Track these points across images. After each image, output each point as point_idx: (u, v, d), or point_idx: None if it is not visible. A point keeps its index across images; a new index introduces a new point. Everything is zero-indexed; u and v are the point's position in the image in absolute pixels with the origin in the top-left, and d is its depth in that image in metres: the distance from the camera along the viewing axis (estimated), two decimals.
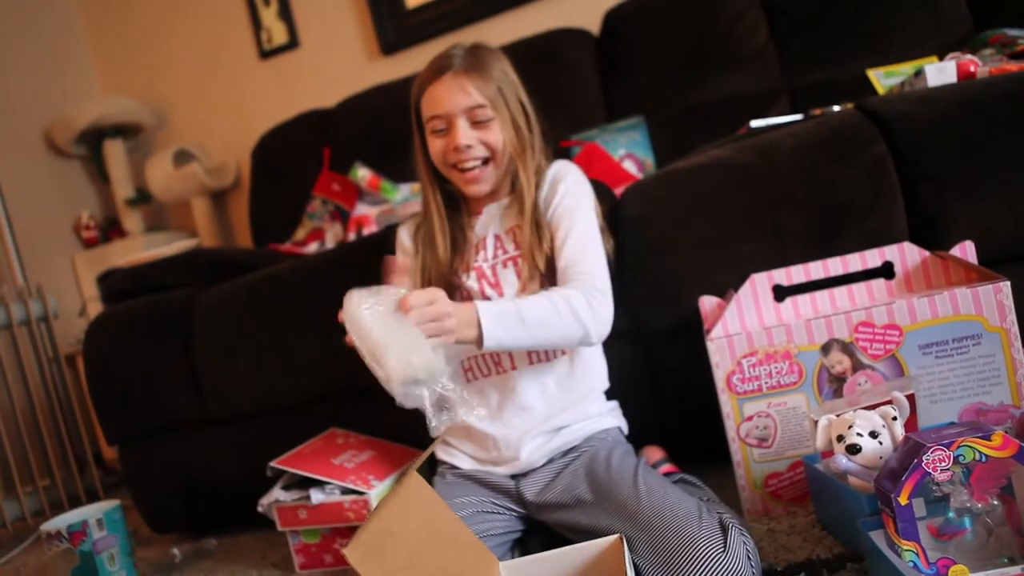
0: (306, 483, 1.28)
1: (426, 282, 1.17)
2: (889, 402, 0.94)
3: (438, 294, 0.95)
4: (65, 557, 1.35)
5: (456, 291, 1.17)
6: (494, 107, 1.12)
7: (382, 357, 0.89)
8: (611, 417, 1.17)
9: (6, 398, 2.12)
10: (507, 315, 1.00)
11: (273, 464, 1.28)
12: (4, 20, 2.79)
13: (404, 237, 1.26)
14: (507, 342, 1.01)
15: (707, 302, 1.18)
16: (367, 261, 1.40)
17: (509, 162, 1.16)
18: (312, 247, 2.15)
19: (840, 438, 0.91)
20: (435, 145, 1.15)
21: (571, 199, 1.16)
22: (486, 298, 1.14)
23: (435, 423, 0.90)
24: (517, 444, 1.11)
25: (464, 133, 1.11)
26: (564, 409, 1.13)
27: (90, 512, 1.41)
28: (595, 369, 1.18)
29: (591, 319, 1.04)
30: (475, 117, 1.12)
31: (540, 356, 1.13)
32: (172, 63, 2.99)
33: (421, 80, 1.15)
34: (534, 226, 1.14)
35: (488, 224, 1.20)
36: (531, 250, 1.12)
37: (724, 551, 0.82)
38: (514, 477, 1.11)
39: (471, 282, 1.16)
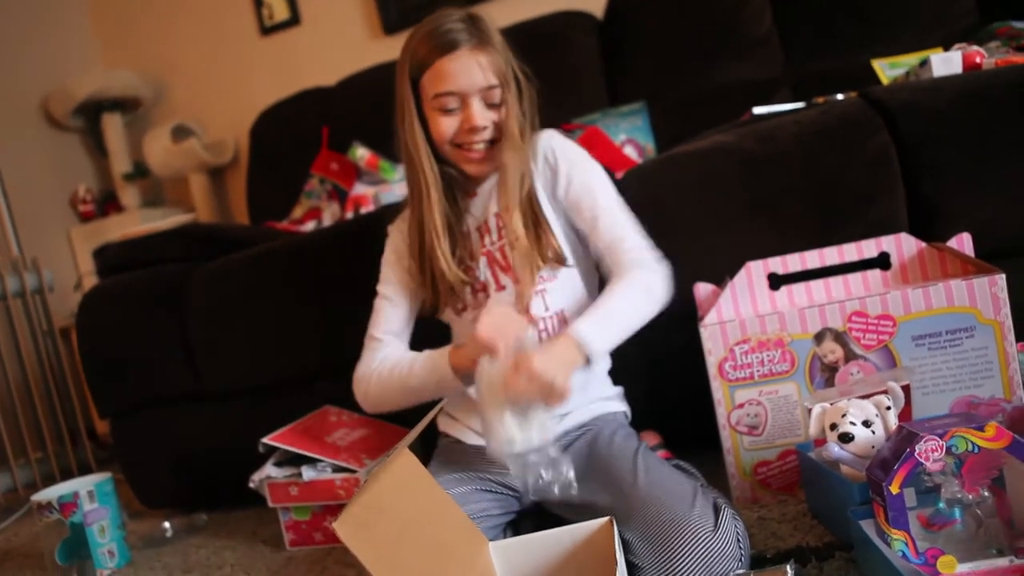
0: (298, 460, 1.28)
1: (430, 280, 1.13)
2: (883, 392, 0.94)
3: (527, 360, 0.90)
4: (56, 528, 1.36)
5: (466, 286, 1.13)
6: (505, 86, 1.07)
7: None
8: (617, 401, 1.17)
9: (0, 370, 2.12)
10: (602, 321, 0.99)
11: (265, 440, 1.28)
12: None
13: (398, 238, 1.20)
14: (610, 347, 1.01)
15: (702, 289, 1.18)
16: (362, 241, 1.40)
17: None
18: (309, 226, 2.14)
19: (833, 426, 0.91)
20: (442, 123, 1.07)
21: (579, 172, 1.12)
22: (500, 287, 1.11)
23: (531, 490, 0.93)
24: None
25: (481, 114, 1.06)
26: (574, 392, 1.11)
27: (81, 484, 1.41)
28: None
29: (664, 293, 1.06)
30: (490, 98, 1.07)
31: (547, 335, 1.11)
32: (172, 37, 2.96)
33: (423, 53, 1.06)
34: (531, 220, 1.10)
35: (486, 204, 1.15)
36: (528, 250, 1.08)
37: (714, 531, 0.82)
38: None
39: (482, 270, 1.13)
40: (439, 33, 1.05)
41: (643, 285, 1.04)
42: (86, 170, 2.99)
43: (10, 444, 2.10)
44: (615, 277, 1.06)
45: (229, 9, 2.86)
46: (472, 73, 1.05)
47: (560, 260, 1.10)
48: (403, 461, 0.78)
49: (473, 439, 1.14)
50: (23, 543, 1.74)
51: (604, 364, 1.18)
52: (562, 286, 1.12)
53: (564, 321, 1.12)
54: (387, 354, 1.15)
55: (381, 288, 1.20)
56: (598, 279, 1.18)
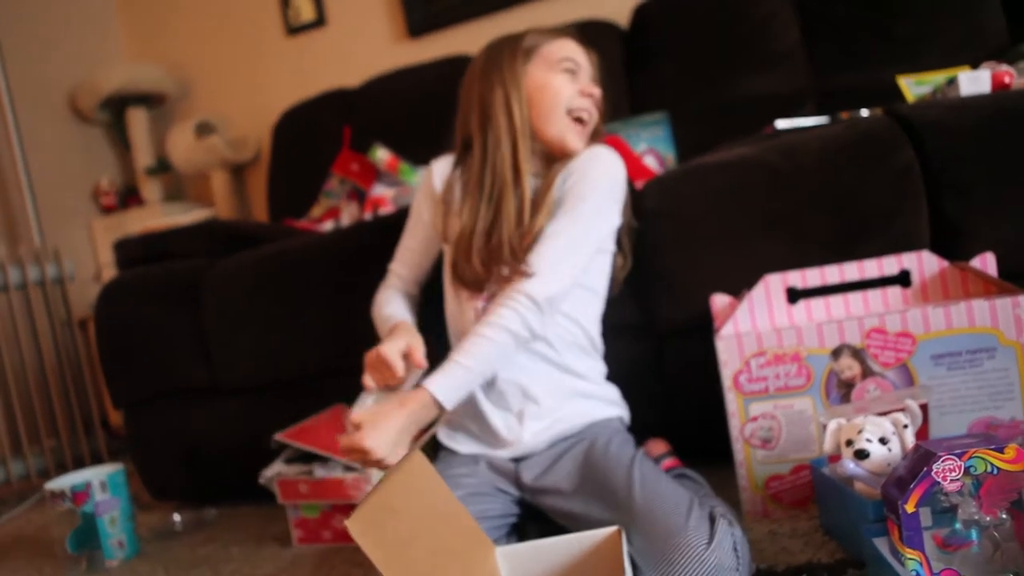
0: (309, 458, 1.28)
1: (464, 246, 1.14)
2: (901, 409, 0.93)
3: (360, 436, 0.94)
4: (67, 517, 1.37)
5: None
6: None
7: None
8: (614, 406, 1.17)
9: (18, 358, 2.15)
10: (458, 381, 1.02)
11: (277, 437, 1.29)
12: None
13: (436, 178, 1.25)
14: (467, 394, 1.04)
15: (719, 300, 1.18)
16: (380, 242, 1.40)
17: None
18: (327, 225, 2.14)
19: (849, 443, 0.90)
20: (563, 82, 1.18)
21: (584, 184, 1.13)
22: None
23: None
24: (519, 429, 1.10)
25: (595, 87, 1.20)
26: (567, 396, 1.12)
27: (94, 474, 1.42)
28: (597, 355, 1.18)
29: (527, 331, 1.05)
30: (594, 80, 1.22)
31: (542, 344, 1.12)
32: (199, 34, 2.99)
33: (538, 37, 1.19)
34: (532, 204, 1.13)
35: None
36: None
37: (708, 544, 0.81)
38: (515, 460, 1.11)
39: None
40: (552, 29, 1.22)
41: (505, 328, 1.03)
42: (109, 163, 3.02)
43: (25, 432, 2.12)
44: (500, 297, 1.07)
45: (256, 8, 2.88)
46: (589, 56, 1.22)
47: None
48: (415, 462, 0.78)
49: (468, 447, 1.15)
50: (35, 531, 1.76)
51: (599, 368, 1.18)
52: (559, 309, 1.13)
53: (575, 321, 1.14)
54: (386, 296, 1.27)
55: (408, 222, 1.31)
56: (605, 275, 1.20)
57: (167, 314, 1.57)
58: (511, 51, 1.18)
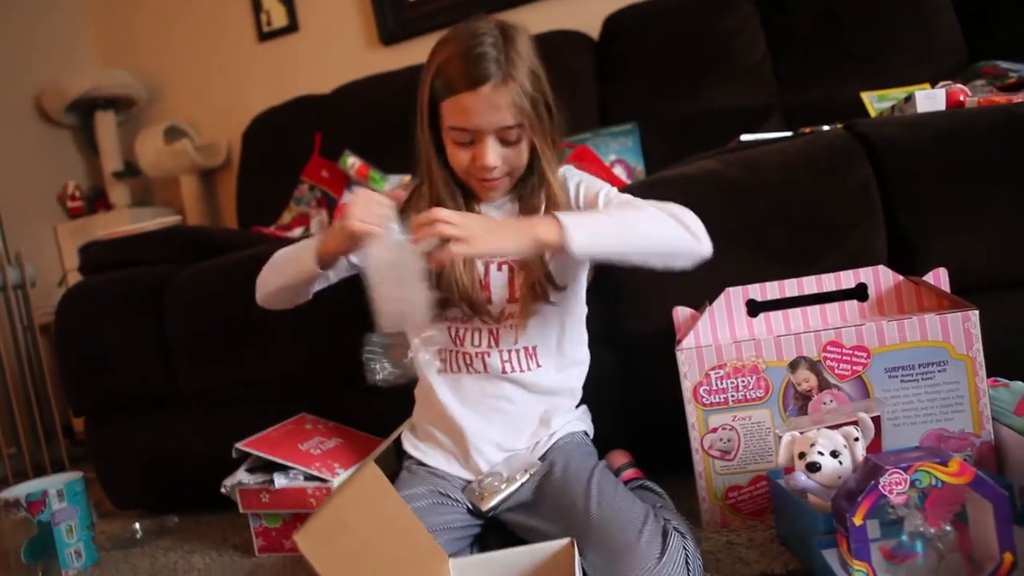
0: (271, 467, 1.27)
1: None
2: (853, 422, 0.94)
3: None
4: (23, 526, 1.34)
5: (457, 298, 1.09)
6: (527, 125, 1.02)
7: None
8: (578, 422, 1.17)
9: None
10: (595, 226, 0.95)
11: (239, 446, 1.28)
12: None
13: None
14: (599, 245, 0.95)
15: (681, 313, 1.19)
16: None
17: (528, 175, 1.10)
18: (297, 232, 2.14)
19: (802, 455, 0.92)
20: (457, 154, 1.05)
21: (588, 183, 1.12)
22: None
23: (380, 372, 0.98)
24: (480, 455, 1.11)
25: (492, 153, 1.02)
26: (538, 425, 1.12)
27: (51, 483, 1.39)
28: (568, 388, 1.17)
29: (696, 224, 1.00)
30: (506, 137, 1.03)
31: (519, 364, 1.11)
32: (169, 38, 2.97)
33: (449, 76, 1.01)
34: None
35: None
36: (538, 278, 1.07)
37: (660, 558, 0.82)
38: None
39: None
40: (470, 59, 0.99)
41: (659, 207, 0.98)
42: (77, 167, 2.98)
43: None
44: None
45: (228, 13, 2.86)
46: (490, 113, 1.00)
47: (555, 289, 1.09)
48: (368, 475, 0.78)
49: (435, 461, 1.14)
50: None
51: (568, 398, 1.17)
52: (536, 324, 1.10)
53: (532, 354, 1.11)
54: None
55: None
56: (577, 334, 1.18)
57: (130, 321, 1.55)
58: (425, 83, 1.07)
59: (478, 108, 1.00)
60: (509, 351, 1.10)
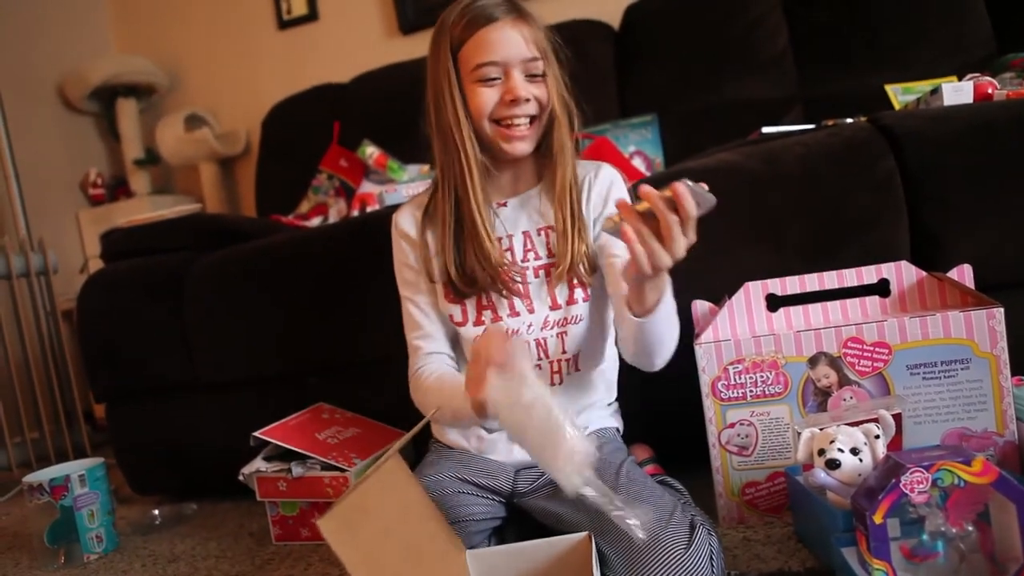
0: (288, 455, 1.28)
1: (447, 278, 1.07)
2: (874, 419, 0.94)
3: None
4: (45, 510, 1.36)
5: (498, 281, 1.05)
6: (546, 61, 1.03)
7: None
8: (610, 418, 1.17)
9: (1, 349, 2.13)
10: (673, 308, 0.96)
11: (256, 434, 1.28)
12: None
13: (406, 223, 1.12)
14: (660, 321, 0.93)
15: (699, 306, 1.18)
16: (365, 241, 1.40)
17: (544, 133, 1.06)
18: (315, 221, 2.14)
19: (821, 452, 0.91)
20: (481, 96, 1.01)
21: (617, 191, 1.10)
22: (515, 313, 1.07)
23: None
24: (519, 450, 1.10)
25: (523, 85, 1.00)
26: (574, 414, 1.11)
27: (73, 468, 1.41)
28: (606, 389, 1.16)
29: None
30: (530, 70, 1.01)
31: (565, 370, 1.09)
32: (190, 26, 2.98)
33: (461, 26, 1.01)
34: (572, 220, 1.05)
35: (516, 219, 1.09)
36: (570, 254, 1.04)
37: (687, 549, 0.82)
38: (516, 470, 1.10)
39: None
40: (477, 7, 1.01)
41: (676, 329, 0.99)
42: (98, 154, 3.01)
43: (7, 423, 2.11)
44: None
45: (248, 1, 2.87)
46: (513, 43, 0.99)
47: (591, 268, 1.07)
48: (392, 465, 0.78)
49: (463, 444, 1.13)
50: (14, 522, 1.75)
51: (606, 397, 1.16)
52: (580, 330, 1.09)
53: (577, 366, 1.10)
54: (425, 366, 1.11)
55: (405, 292, 1.14)
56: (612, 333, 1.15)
57: (149, 308, 1.56)
58: (439, 49, 1.04)
59: (500, 39, 0.99)
60: (558, 360, 1.09)
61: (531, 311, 1.08)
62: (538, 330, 1.08)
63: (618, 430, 1.18)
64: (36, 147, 2.69)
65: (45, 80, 2.82)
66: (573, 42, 2.08)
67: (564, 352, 1.08)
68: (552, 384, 1.09)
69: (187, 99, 3.01)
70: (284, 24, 2.84)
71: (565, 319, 1.07)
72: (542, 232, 1.09)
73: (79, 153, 2.92)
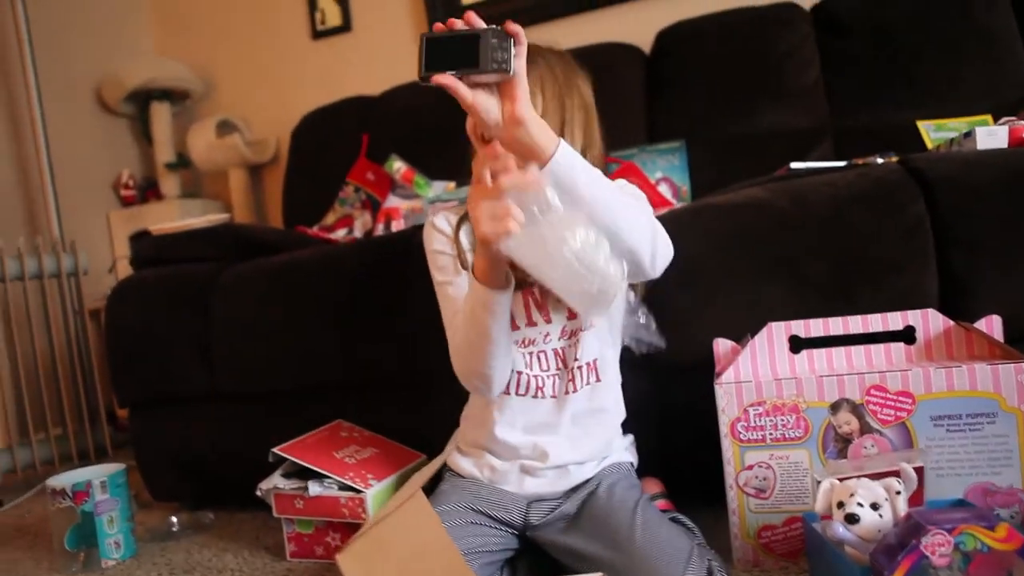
0: (306, 472, 1.29)
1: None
2: (896, 472, 0.92)
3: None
4: (67, 514, 1.38)
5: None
6: (548, 96, 1.06)
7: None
8: (627, 452, 1.17)
9: (29, 347, 2.17)
10: (586, 163, 0.91)
11: (275, 451, 1.29)
12: None
13: (441, 222, 1.14)
14: (576, 176, 0.88)
15: (722, 345, 1.17)
16: (391, 259, 1.42)
17: None
18: (340, 233, 2.16)
19: (840, 504, 0.90)
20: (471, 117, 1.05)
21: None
22: (531, 323, 1.09)
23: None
24: (532, 481, 1.10)
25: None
26: (586, 448, 1.12)
27: (95, 474, 1.43)
28: (618, 405, 1.17)
29: (660, 235, 0.97)
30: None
31: (584, 380, 1.11)
32: (226, 34, 3.02)
33: None
34: None
35: None
36: None
37: None
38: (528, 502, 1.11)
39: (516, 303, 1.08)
40: None
41: (648, 214, 0.97)
42: (131, 156, 3.05)
43: (32, 420, 2.14)
44: None
45: (283, 11, 2.90)
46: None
47: None
48: (414, 503, 0.79)
49: (476, 474, 1.14)
50: (35, 521, 1.78)
51: (619, 415, 1.17)
52: (592, 336, 1.10)
53: (598, 376, 1.11)
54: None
55: (439, 276, 1.13)
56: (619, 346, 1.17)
57: (175, 318, 1.58)
58: None
59: None
60: (578, 368, 1.10)
61: (547, 320, 1.09)
62: (556, 339, 1.10)
63: (632, 464, 1.17)
64: (72, 147, 2.73)
65: (83, 82, 2.86)
66: (603, 65, 2.10)
67: (579, 359, 1.10)
68: (575, 391, 1.10)
69: (220, 105, 3.05)
70: (318, 34, 2.86)
71: (578, 328, 1.09)
72: None
73: (113, 154, 2.96)
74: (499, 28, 0.83)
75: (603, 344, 1.12)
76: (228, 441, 1.59)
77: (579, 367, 1.10)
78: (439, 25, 0.86)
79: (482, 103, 0.85)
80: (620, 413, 1.17)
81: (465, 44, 0.83)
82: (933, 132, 1.60)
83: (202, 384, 1.57)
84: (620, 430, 1.18)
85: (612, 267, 0.82)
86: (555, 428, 1.10)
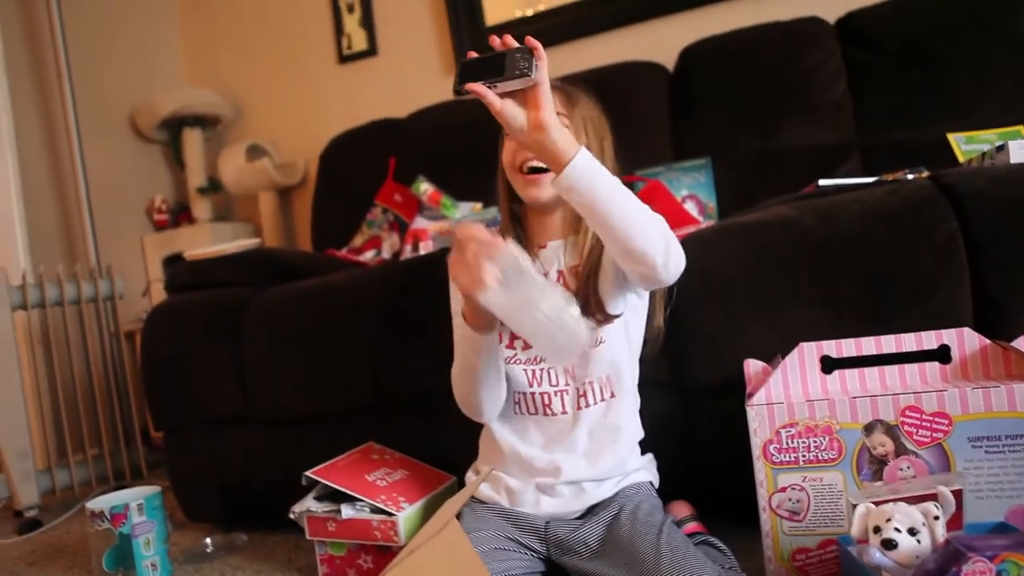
0: (338, 495, 1.30)
1: None
2: (933, 496, 0.91)
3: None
4: (105, 536, 1.41)
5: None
6: (571, 120, 1.10)
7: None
8: (645, 471, 1.16)
9: (68, 370, 2.21)
10: (604, 171, 0.96)
11: (308, 474, 1.31)
12: (104, 3, 2.92)
13: None
14: (595, 180, 0.94)
15: (752, 366, 1.16)
16: (419, 282, 1.43)
17: None
18: (369, 255, 2.18)
19: (877, 529, 0.89)
20: (508, 146, 1.13)
21: None
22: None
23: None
24: (550, 501, 1.11)
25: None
26: (603, 466, 1.12)
27: (132, 496, 1.46)
28: (635, 422, 1.17)
29: (672, 241, 0.99)
30: None
31: (596, 396, 1.12)
32: (255, 60, 3.09)
33: None
34: (590, 267, 1.10)
35: (552, 259, 1.16)
36: (584, 295, 1.08)
37: None
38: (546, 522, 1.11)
39: None
40: None
41: (662, 222, 0.99)
42: (164, 181, 3.12)
43: (71, 442, 2.18)
44: None
45: (310, 36, 2.96)
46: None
47: (605, 317, 1.09)
48: (448, 532, 0.80)
49: (496, 498, 1.15)
50: (74, 541, 1.81)
51: (635, 432, 1.17)
52: (605, 352, 1.11)
53: (612, 392, 1.12)
54: None
55: (455, 305, 1.17)
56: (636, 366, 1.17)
57: (208, 342, 1.61)
58: None
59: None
60: (587, 383, 1.11)
61: None
62: None
63: (652, 484, 1.17)
64: (107, 174, 2.80)
65: (118, 110, 2.95)
66: (627, 83, 2.11)
67: (591, 374, 1.11)
68: (588, 407, 1.11)
69: (249, 130, 3.11)
70: (344, 59, 2.91)
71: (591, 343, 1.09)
72: (574, 271, 1.13)
73: (146, 180, 3.04)
74: (522, 46, 0.93)
75: (619, 359, 1.13)
76: (261, 463, 1.61)
77: (590, 382, 1.11)
78: (472, 53, 0.98)
79: (509, 110, 0.93)
80: (637, 431, 1.17)
81: (493, 61, 0.93)
82: (964, 144, 1.58)
83: (235, 407, 1.59)
84: (638, 449, 1.18)
85: (581, 326, 0.92)
86: (569, 444, 1.11)
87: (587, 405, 1.11)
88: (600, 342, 1.10)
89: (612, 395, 1.12)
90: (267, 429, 1.60)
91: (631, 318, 1.14)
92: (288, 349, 1.54)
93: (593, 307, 1.08)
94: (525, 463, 1.12)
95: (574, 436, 1.11)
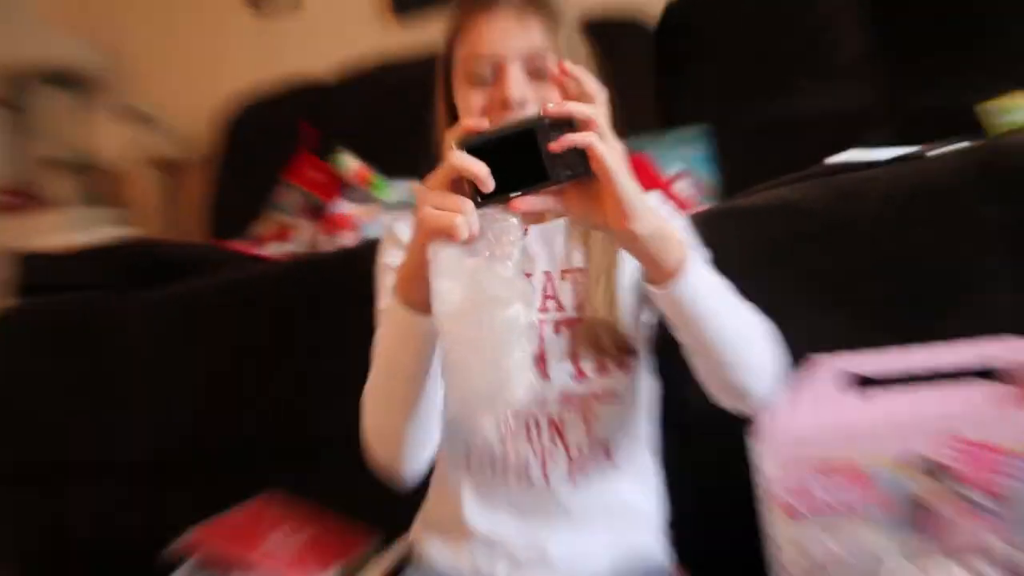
0: (224, 565, 1.25)
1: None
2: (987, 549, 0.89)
3: None
4: None
5: None
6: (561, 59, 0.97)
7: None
8: (657, 547, 1.12)
9: None
10: (713, 273, 0.92)
11: (187, 537, 1.26)
12: None
13: (403, 231, 1.07)
14: (700, 296, 0.88)
15: None
16: (336, 284, 1.41)
17: None
18: (271, 248, 2.13)
19: None
20: (469, 99, 0.97)
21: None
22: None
23: None
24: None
25: (517, 82, 0.93)
26: (605, 550, 1.06)
27: None
28: (654, 501, 1.13)
29: (782, 363, 0.99)
30: (534, 66, 0.94)
31: (589, 466, 1.05)
32: (139, 4, 3.04)
33: (461, 12, 1.00)
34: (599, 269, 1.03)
35: (537, 252, 1.06)
36: (590, 312, 1.02)
37: None
38: None
39: None
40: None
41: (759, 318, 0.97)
42: (8, 153, 3.02)
43: None
44: None
45: None
46: (511, 32, 0.95)
47: (625, 353, 1.04)
48: None
49: (455, 564, 1.07)
50: None
51: (654, 513, 1.12)
52: (613, 413, 1.05)
53: (608, 454, 1.05)
54: None
55: (384, 301, 1.05)
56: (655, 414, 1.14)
57: (55, 364, 1.57)
58: (445, 28, 1.03)
59: (497, 27, 0.95)
60: (579, 448, 1.04)
61: (545, 377, 1.01)
62: (554, 405, 1.02)
63: (665, 568, 1.11)
64: None
65: None
66: (602, 40, 2.08)
67: (588, 436, 1.03)
68: (574, 478, 1.03)
69: (129, 91, 3.04)
70: (257, 6, 2.89)
71: (593, 394, 1.02)
72: (568, 276, 1.04)
73: None
74: (554, 116, 0.76)
75: (630, 425, 1.08)
76: (118, 521, 1.55)
77: (590, 446, 1.04)
78: (468, 123, 0.81)
79: (578, 209, 0.81)
80: (656, 511, 1.12)
81: (519, 148, 0.76)
82: (998, 115, 1.60)
83: (84, 449, 1.55)
84: (658, 535, 1.12)
85: (521, 377, 0.75)
86: (554, 517, 1.04)
87: (581, 474, 1.04)
88: (611, 399, 1.04)
89: (609, 458, 1.06)
90: (130, 477, 1.55)
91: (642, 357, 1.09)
92: (157, 372, 1.51)
93: (597, 340, 1.02)
94: (489, 539, 1.05)
95: (557, 509, 1.04)
